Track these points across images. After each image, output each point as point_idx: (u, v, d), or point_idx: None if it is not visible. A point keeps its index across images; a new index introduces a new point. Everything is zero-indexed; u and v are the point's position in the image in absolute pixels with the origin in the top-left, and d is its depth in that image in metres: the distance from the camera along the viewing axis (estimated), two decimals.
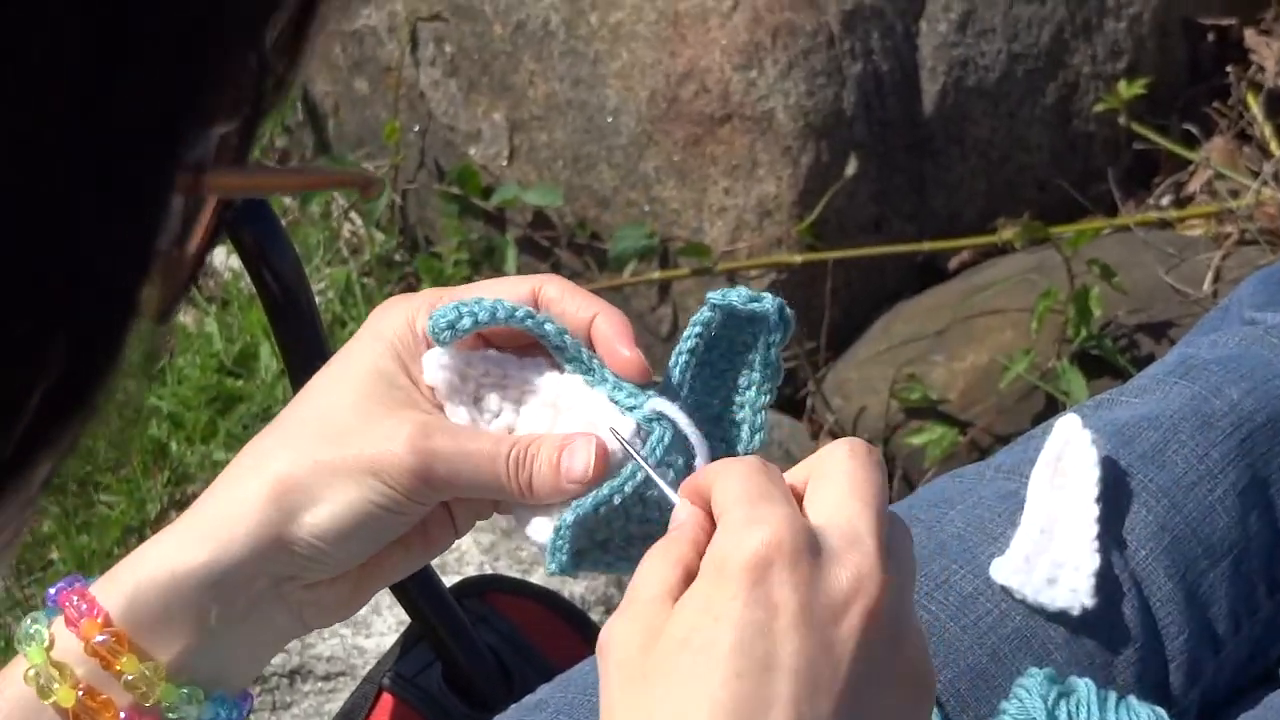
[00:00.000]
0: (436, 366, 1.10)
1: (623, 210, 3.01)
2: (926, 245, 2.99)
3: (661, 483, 1.09)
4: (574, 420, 1.11)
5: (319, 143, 3.27)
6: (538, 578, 2.29)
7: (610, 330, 1.10)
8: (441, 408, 1.12)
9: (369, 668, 1.75)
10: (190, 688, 1.11)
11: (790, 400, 3.01)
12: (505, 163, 3.04)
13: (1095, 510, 1.48)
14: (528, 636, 1.70)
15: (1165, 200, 3.11)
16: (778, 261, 2.92)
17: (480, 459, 1.07)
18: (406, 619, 1.66)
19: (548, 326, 1.10)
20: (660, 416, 1.11)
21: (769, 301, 1.11)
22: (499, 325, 1.10)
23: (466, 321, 1.09)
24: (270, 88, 0.59)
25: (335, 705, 2.09)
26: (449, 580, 1.68)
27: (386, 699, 1.63)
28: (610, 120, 2.96)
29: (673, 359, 1.13)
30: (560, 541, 1.10)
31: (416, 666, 1.65)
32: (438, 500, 1.12)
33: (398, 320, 1.11)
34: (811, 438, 2.97)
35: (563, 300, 1.11)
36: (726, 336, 1.13)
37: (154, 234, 0.55)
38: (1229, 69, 3.17)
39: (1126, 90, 2.96)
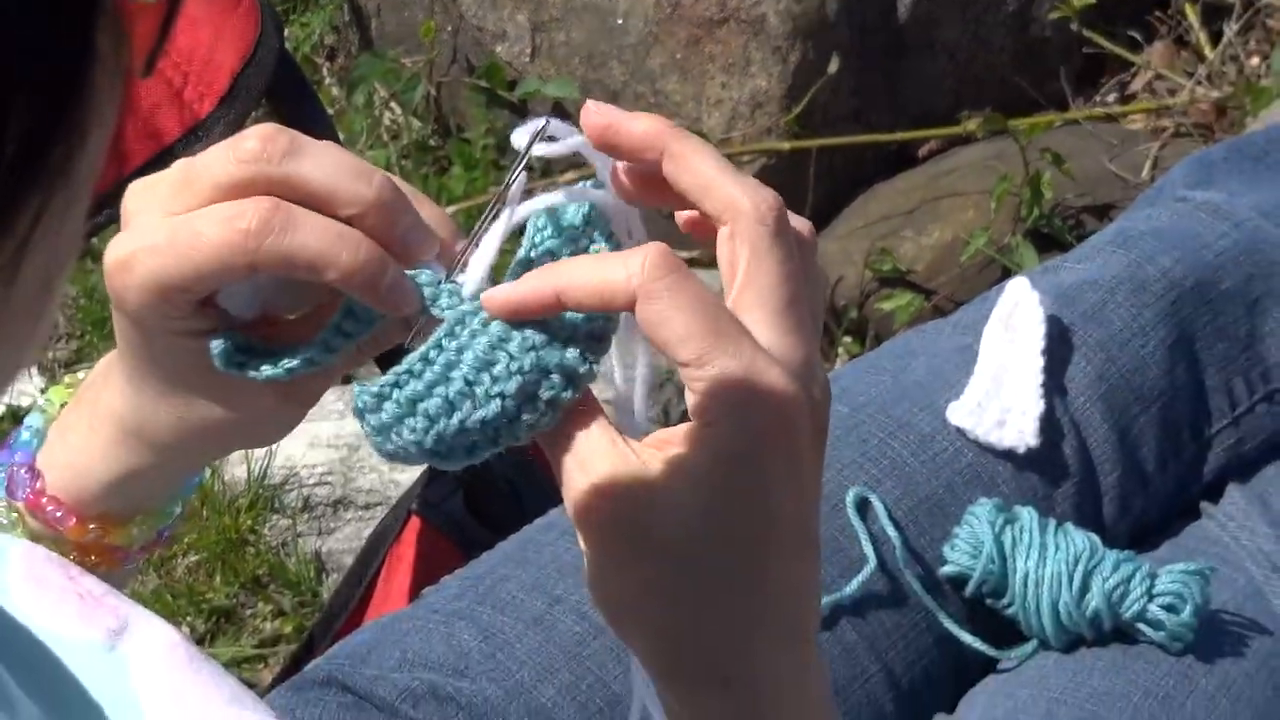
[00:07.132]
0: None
1: (631, 102, 2.86)
2: (899, 135, 2.92)
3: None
4: None
5: (363, 40, 3.23)
6: None
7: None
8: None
9: None
10: (153, 517, 0.96)
11: None
12: (528, 59, 2.99)
13: (1040, 361, 1.49)
14: (540, 465, 1.70)
15: (1111, 97, 3.07)
16: (768, 148, 2.85)
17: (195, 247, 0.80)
18: None
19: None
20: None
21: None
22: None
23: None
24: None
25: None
26: None
27: (415, 521, 1.64)
28: (620, 22, 2.92)
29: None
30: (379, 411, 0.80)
31: (441, 494, 1.65)
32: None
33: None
34: None
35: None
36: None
37: None
38: None
39: None
